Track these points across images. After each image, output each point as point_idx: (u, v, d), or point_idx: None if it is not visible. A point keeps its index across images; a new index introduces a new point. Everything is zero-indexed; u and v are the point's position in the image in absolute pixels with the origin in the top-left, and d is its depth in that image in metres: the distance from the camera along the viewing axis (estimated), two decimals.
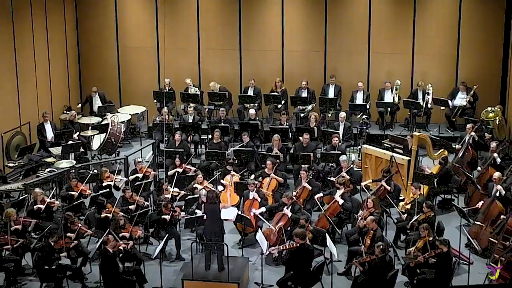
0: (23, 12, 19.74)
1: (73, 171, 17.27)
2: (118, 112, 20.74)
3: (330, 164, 17.69)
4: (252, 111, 19.75)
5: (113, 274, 13.59)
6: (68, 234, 14.30)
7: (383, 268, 13.26)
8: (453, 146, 17.95)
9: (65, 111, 20.94)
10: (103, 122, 19.74)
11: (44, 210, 15.54)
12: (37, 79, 20.35)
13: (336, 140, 17.97)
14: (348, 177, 16.38)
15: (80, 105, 20.83)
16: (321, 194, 16.11)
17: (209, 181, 16.88)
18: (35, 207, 15.49)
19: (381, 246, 13.36)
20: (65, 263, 14.16)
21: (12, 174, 18.25)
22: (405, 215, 15.29)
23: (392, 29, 21.03)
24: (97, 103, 21.06)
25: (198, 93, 20.78)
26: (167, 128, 18.99)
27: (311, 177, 16.49)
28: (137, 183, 16.41)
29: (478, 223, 15.27)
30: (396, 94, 20.24)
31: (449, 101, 19.80)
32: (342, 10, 21.16)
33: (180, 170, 17.18)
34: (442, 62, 20.98)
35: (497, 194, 15.35)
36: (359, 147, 18.66)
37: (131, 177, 17.00)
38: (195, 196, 15.98)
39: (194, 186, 16.56)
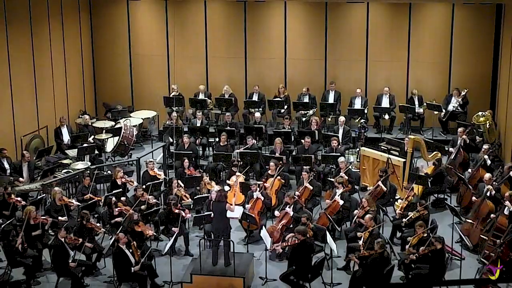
0: (41, 23, 19.80)
1: (88, 172, 17.31)
2: (130, 117, 20.78)
3: (330, 166, 17.73)
4: (257, 114, 19.81)
5: (125, 269, 13.63)
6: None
7: (381, 263, 13.29)
8: (446, 149, 17.96)
9: (80, 115, 20.99)
10: (116, 126, 19.78)
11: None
12: (54, 86, 20.41)
13: (336, 143, 18.00)
14: (346, 177, 16.41)
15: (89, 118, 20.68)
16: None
17: (215, 182, 16.95)
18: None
19: (380, 242, 13.41)
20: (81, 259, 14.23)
21: None
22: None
23: (388, 39, 21.05)
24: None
25: (206, 98, 20.83)
26: (176, 132, 19.03)
27: (312, 177, 16.53)
28: (148, 183, 16.42)
29: (470, 221, 15.30)
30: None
31: (449, 107, 19.83)
32: (341, 21, 21.19)
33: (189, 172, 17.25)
34: (436, 70, 21.01)
35: (488, 193, 15.37)
36: (358, 149, 18.68)
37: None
38: (204, 195, 16.03)
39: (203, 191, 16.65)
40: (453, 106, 19.84)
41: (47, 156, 18.53)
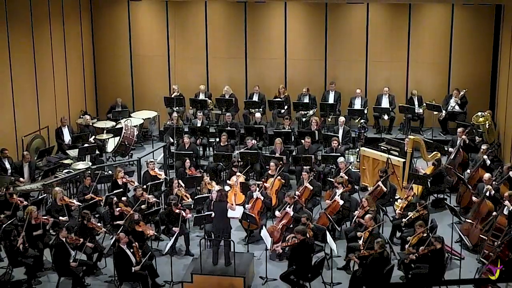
0: (42, 24, 19.83)
1: (89, 172, 17.32)
2: (131, 117, 20.79)
3: (330, 166, 17.74)
4: (258, 114, 19.84)
5: (126, 269, 13.63)
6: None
7: (380, 263, 13.30)
8: (446, 149, 17.97)
9: (81, 116, 21.01)
10: (117, 126, 19.78)
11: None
12: (55, 86, 20.43)
13: (336, 143, 18.01)
14: (346, 177, 16.41)
15: (90, 118, 20.70)
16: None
17: (216, 182, 16.96)
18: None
19: (380, 242, 13.41)
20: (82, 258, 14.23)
21: None
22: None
23: (388, 39, 21.06)
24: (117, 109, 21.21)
25: (207, 99, 20.85)
26: (177, 132, 19.04)
27: (312, 177, 16.54)
28: (149, 183, 16.43)
29: (469, 220, 15.31)
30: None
31: (450, 107, 19.87)
32: (341, 22, 21.21)
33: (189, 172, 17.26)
34: (435, 70, 21.02)
35: (487, 193, 15.38)
36: (357, 149, 18.69)
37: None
38: (204, 195, 16.05)
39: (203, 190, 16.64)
40: (451, 106, 19.85)
41: (48, 156, 18.53)
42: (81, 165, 17.62)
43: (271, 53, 21.70)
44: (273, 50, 21.69)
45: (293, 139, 19.19)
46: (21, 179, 17.05)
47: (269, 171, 16.98)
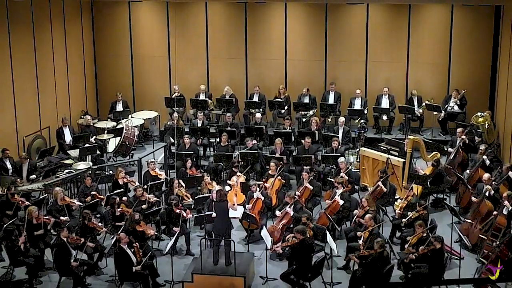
0: (43, 24, 19.84)
1: (90, 172, 17.33)
2: (132, 117, 20.80)
3: (330, 166, 17.75)
4: (258, 115, 19.85)
5: (127, 269, 13.64)
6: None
7: (380, 263, 13.31)
8: (445, 149, 17.98)
9: (82, 116, 21.02)
10: (118, 126, 19.79)
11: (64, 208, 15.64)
12: (56, 86, 20.44)
13: (336, 143, 18.03)
14: (346, 177, 16.42)
15: (91, 118, 20.68)
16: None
17: (216, 182, 16.97)
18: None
19: (380, 242, 13.43)
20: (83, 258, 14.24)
21: None
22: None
23: (388, 39, 21.07)
24: (118, 109, 21.17)
25: (207, 99, 20.86)
26: (177, 132, 19.05)
27: (312, 177, 16.55)
28: (150, 183, 16.44)
29: (469, 220, 15.32)
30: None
31: (449, 107, 19.87)
32: (341, 22, 21.21)
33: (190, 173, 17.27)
34: (435, 71, 21.03)
35: (487, 194, 15.39)
36: (357, 149, 18.70)
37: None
38: (204, 195, 16.05)
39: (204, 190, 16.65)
40: (450, 106, 19.87)
41: (49, 156, 18.54)
42: (82, 165, 17.62)
43: (271, 53, 21.71)
44: (273, 51, 21.70)
45: (293, 139, 19.20)
46: (18, 179, 17.05)
47: (269, 171, 16.99)
